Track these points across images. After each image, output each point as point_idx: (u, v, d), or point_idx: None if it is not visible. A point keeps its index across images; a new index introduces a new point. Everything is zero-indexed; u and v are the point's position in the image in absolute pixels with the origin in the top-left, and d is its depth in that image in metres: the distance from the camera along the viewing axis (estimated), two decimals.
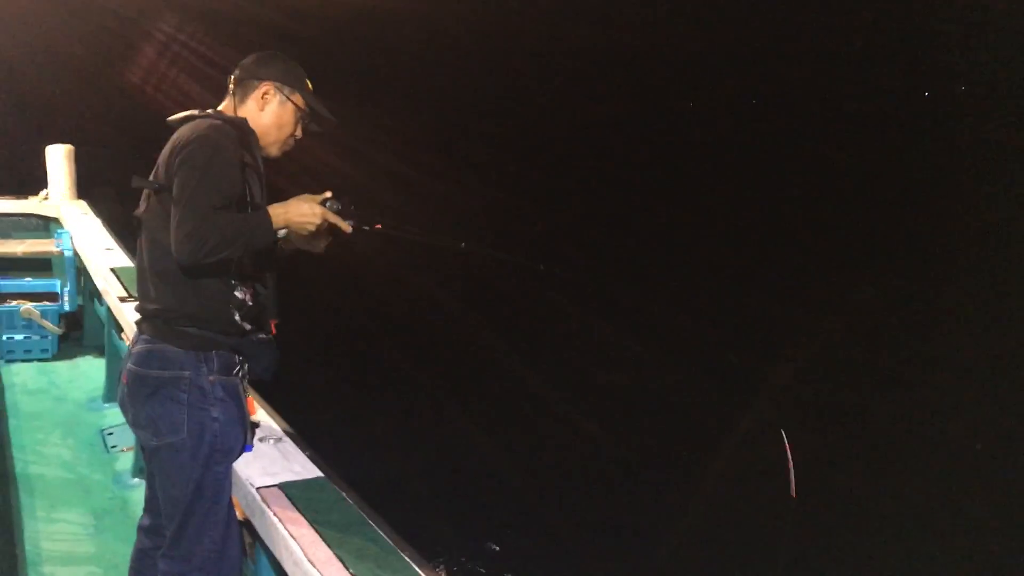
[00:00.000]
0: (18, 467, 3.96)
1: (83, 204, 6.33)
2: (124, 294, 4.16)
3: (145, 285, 2.30)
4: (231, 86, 2.39)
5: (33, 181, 6.52)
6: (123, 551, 2.86)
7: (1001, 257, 14.89)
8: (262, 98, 2.36)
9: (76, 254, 5.49)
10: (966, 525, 6.08)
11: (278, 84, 2.36)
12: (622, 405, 8.04)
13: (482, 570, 4.85)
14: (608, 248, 14.67)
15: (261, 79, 2.36)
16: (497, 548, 5.25)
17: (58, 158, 6.38)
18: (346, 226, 2.31)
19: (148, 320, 2.30)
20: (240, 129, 2.27)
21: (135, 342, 2.34)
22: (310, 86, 2.43)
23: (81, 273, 5.49)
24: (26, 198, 6.45)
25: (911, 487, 6.55)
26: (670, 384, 8.37)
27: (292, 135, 2.42)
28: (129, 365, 2.30)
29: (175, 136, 2.24)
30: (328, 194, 2.34)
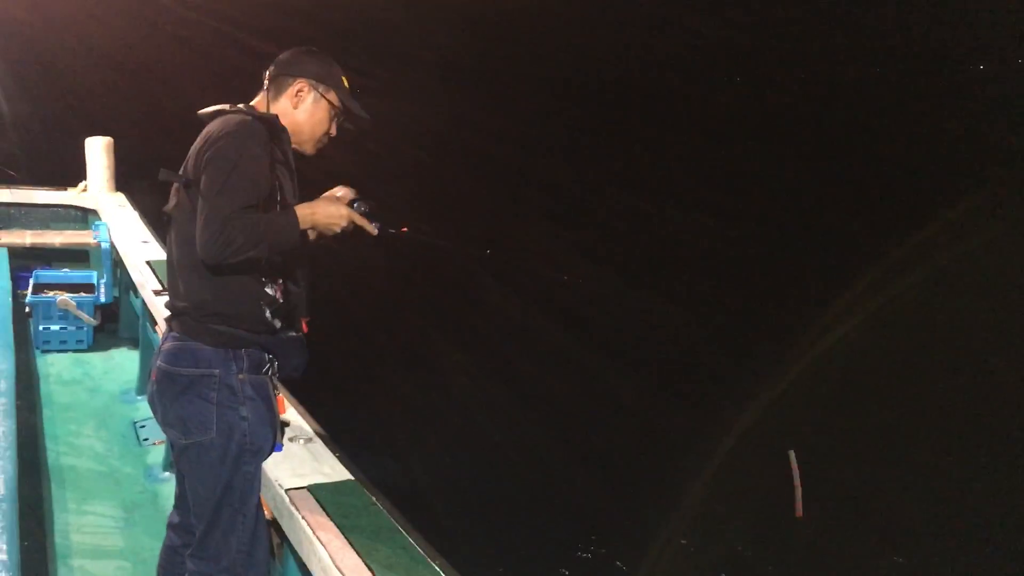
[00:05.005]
0: (51, 457, 3.98)
1: (121, 196, 6.38)
2: (159, 287, 4.17)
3: (175, 281, 2.29)
4: (266, 81, 2.37)
5: (72, 173, 6.58)
6: (153, 545, 2.85)
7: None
8: (296, 95, 2.34)
9: (113, 246, 5.53)
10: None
11: (313, 82, 2.34)
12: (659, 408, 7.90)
13: None
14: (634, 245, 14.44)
15: (296, 76, 2.34)
16: (531, 561, 5.17)
17: (97, 150, 6.43)
18: (372, 228, 2.30)
19: (178, 317, 2.28)
20: (271, 125, 2.24)
21: (165, 339, 2.32)
22: (346, 84, 2.40)
23: (118, 265, 5.53)
24: (65, 189, 6.52)
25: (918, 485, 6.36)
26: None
27: (326, 133, 2.40)
28: (159, 363, 2.28)
29: (205, 131, 2.22)
30: (355, 194, 2.33)
